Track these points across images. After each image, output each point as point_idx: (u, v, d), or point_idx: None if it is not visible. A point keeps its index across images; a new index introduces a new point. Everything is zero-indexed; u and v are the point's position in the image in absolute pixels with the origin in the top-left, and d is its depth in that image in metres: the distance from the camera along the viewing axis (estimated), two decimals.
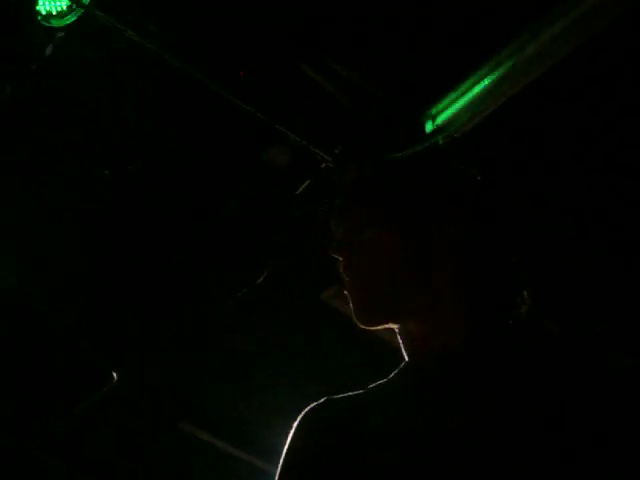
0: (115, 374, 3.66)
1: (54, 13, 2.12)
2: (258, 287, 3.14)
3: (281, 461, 1.12)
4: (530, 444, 0.98)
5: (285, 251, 3.03)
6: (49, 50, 2.55)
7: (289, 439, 1.13)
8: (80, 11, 2.12)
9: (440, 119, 2.47)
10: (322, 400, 1.15)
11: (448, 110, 2.47)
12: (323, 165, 2.75)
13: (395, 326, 1.21)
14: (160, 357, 3.63)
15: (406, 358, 1.20)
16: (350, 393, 1.16)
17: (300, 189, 2.80)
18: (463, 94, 2.44)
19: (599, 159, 2.59)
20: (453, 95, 2.46)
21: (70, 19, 2.15)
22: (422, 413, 1.07)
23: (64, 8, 2.11)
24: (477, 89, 2.40)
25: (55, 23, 2.17)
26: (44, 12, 2.12)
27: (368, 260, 1.18)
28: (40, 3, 2.09)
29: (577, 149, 2.57)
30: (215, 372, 3.76)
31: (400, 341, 1.20)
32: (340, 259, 1.21)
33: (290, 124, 2.71)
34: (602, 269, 2.87)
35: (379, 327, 1.20)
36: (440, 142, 2.31)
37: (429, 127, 2.49)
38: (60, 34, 2.42)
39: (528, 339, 1.15)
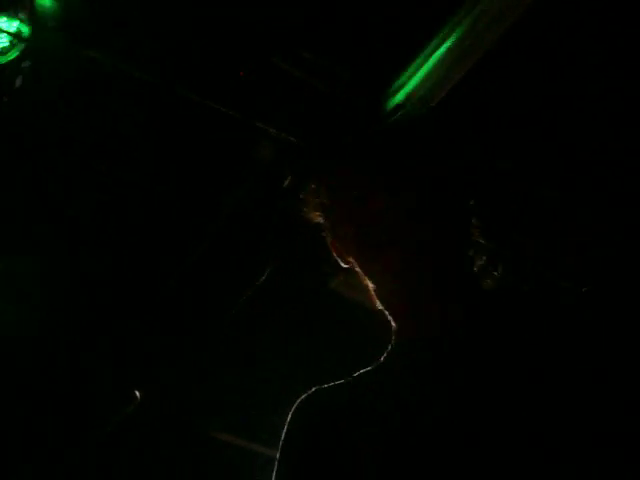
0: (138, 393, 3.67)
1: None
2: (265, 285, 3.14)
3: (278, 454, 1.14)
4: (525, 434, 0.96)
5: (286, 245, 3.02)
6: (19, 81, 2.56)
7: (284, 433, 1.15)
8: (22, 45, 2.12)
9: (410, 86, 2.45)
10: (312, 390, 1.17)
11: (414, 78, 2.44)
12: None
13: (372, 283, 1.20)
14: (180, 368, 3.65)
15: (392, 338, 1.19)
16: (337, 382, 1.17)
17: (287, 181, 2.79)
18: (426, 60, 2.41)
19: (561, 128, 2.57)
20: (415, 65, 2.43)
21: (13, 55, 2.15)
22: (407, 399, 1.06)
23: (6, 44, 2.12)
24: (436, 55, 2.37)
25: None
26: None
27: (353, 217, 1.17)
28: None
29: (538, 117, 2.55)
30: (235, 374, 3.77)
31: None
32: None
33: (269, 119, 2.70)
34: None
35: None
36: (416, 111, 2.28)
37: (399, 98, 2.47)
38: (26, 64, 2.43)
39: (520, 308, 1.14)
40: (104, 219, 3.05)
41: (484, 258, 1.20)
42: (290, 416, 1.15)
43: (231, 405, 4.05)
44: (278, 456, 1.14)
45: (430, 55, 2.40)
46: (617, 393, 0.98)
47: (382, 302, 1.20)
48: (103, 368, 3.48)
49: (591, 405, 0.97)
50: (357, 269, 1.20)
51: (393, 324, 1.19)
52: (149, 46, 2.62)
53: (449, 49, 2.38)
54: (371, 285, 1.19)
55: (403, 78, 2.47)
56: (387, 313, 1.20)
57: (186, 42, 2.66)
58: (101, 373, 3.50)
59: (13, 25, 2.11)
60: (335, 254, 1.24)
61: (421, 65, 2.43)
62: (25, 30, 2.10)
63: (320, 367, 3.31)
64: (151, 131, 2.78)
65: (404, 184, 1.16)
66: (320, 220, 1.24)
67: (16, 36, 2.10)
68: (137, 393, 3.76)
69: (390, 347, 1.18)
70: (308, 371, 3.33)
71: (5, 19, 2.09)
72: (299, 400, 1.15)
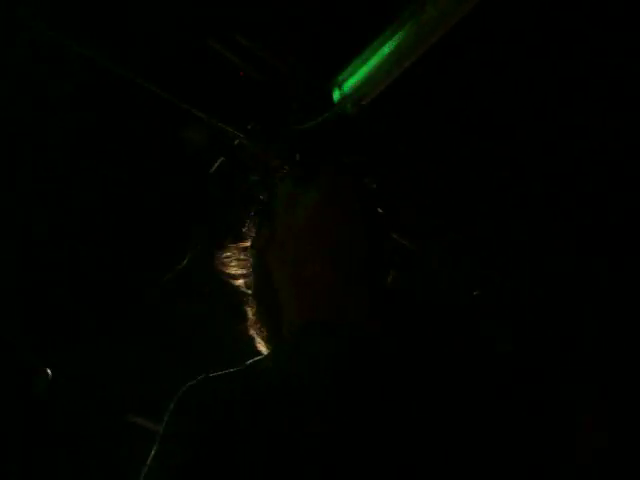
0: (49, 371, 3.58)
1: None
2: (186, 269, 3.10)
3: (156, 444, 1.10)
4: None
5: (209, 234, 2.99)
6: None
7: (165, 420, 1.12)
8: None
9: (347, 86, 2.46)
10: (200, 378, 1.14)
11: (354, 77, 2.45)
12: (236, 142, 2.71)
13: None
14: (96, 348, 3.59)
15: (289, 325, 1.19)
16: (229, 370, 1.15)
17: (214, 167, 2.76)
18: (367, 60, 2.42)
19: (504, 126, 2.61)
20: (358, 61, 2.44)
21: None
22: (296, 388, 1.06)
23: None
24: (381, 53, 2.39)
25: None
26: None
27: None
28: None
29: (482, 114, 2.58)
30: (156, 358, 3.73)
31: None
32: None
33: (199, 102, 2.66)
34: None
35: None
36: (348, 110, 2.30)
37: (336, 95, 2.47)
38: None
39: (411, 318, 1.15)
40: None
41: (405, 262, 1.22)
42: (173, 402, 1.12)
43: (148, 389, 4.00)
44: (158, 439, 1.11)
45: (368, 55, 2.41)
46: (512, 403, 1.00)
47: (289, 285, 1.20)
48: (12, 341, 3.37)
49: (490, 413, 0.98)
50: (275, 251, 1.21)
51: (292, 310, 1.19)
52: (84, 18, 2.55)
53: (390, 51, 2.39)
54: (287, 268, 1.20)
55: (342, 75, 2.48)
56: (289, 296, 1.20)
57: (123, 19, 2.60)
58: (9, 347, 3.40)
59: None
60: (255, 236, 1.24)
61: (358, 64, 2.44)
62: None
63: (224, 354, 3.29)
64: (77, 107, 2.70)
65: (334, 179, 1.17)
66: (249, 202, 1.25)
67: None
68: (48, 371, 3.67)
69: (285, 335, 1.18)
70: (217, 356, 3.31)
71: None
72: (182, 390, 1.13)
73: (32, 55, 2.49)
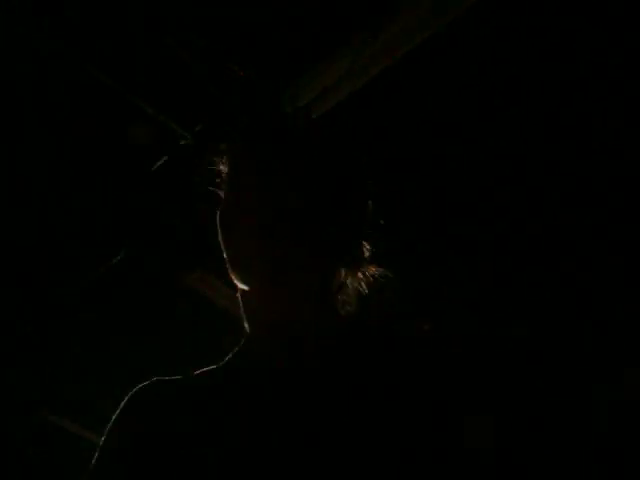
0: None
1: None
2: (116, 269, 3.04)
3: (101, 441, 1.09)
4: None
5: (145, 232, 2.94)
6: None
7: (112, 420, 1.10)
8: None
9: (299, 98, 2.45)
10: (152, 380, 1.13)
11: (306, 89, 2.45)
12: (182, 142, 2.67)
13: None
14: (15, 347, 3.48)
15: (242, 340, 1.17)
16: (180, 377, 1.14)
17: (156, 166, 2.71)
18: (320, 74, 2.42)
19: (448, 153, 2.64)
20: (311, 74, 2.43)
21: None
22: (241, 404, 1.05)
23: None
24: (333, 69, 2.39)
25: None
26: None
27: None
28: None
29: (433, 137, 2.61)
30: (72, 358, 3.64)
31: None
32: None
33: (149, 97, 2.61)
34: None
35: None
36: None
37: (286, 104, 2.46)
38: None
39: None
40: None
41: (352, 281, 1.19)
42: (122, 404, 1.11)
43: (66, 387, 3.92)
44: (102, 442, 1.10)
45: (325, 66, 2.41)
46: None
47: (243, 301, 1.17)
48: None
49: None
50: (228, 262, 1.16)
51: (246, 326, 1.16)
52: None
53: (346, 64, 2.38)
54: (239, 285, 1.16)
55: (297, 83, 2.46)
56: (243, 313, 1.17)
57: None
58: None
59: None
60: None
61: (314, 75, 2.43)
62: None
63: (163, 362, 3.24)
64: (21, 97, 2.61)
65: (277, 188, 1.13)
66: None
67: None
68: None
69: (237, 349, 1.16)
70: (149, 364, 3.26)
71: None
72: (135, 389, 1.12)
73: None
